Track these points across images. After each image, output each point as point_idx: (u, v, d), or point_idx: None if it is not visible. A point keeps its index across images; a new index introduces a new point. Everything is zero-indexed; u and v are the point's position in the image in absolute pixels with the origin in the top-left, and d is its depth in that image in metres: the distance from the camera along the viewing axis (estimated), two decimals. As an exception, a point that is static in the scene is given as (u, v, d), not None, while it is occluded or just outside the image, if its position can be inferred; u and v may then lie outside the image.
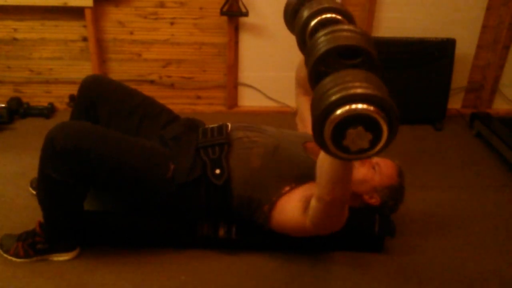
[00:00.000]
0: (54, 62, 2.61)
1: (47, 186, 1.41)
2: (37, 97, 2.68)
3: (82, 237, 1.59)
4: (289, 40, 2.65)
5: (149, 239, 1.62)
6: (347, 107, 0.95)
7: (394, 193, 1.55)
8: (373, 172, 1.53)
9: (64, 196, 1.43)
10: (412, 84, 2.60)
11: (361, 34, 1.11)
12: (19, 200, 1.82)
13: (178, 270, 1.53)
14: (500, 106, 2.84)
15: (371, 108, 0.95)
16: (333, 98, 0.95)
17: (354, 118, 0.96)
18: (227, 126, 1.61)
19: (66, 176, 1.37)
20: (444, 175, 2.18)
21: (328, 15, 1.40)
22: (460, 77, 2.73)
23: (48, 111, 2.58)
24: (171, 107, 2.69)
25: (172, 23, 2.55)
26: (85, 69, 2.61)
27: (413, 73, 2.58)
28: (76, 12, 2.46)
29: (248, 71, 2.68)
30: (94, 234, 1.62)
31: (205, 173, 1.49)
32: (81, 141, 1.36)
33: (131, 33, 2.56)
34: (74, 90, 2.62)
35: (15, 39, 2.55)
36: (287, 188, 1.48)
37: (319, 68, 1.11)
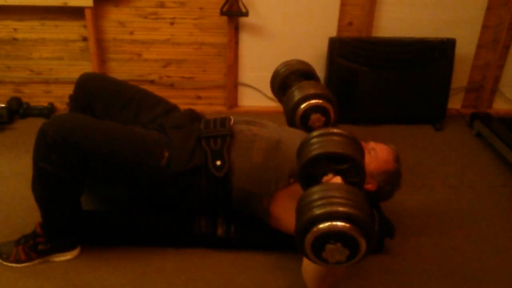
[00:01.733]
0: (54, 62, 2.61)
1: (42, 180, 1.40)
2: (37, 97, 2.68)
3: (82, 236, 1.59)
4: (289, 40, 2.67)
5: (148, 238, 1.62)
6: (328, 224, 1.04)
7: (391, 178, 1.54)
8: (369, 157, 1.51)
9: (59, 189, 1.42)
10: (412, 84, 2.60)
11: (350, 139, 1.23)
12: (19, 200, 1.82)
13: (178, 270, 1.53)
14: (500, 106, 2.84)
15: (351, 227, 1.04)
16: (317, 212, 1.05)
17: (333, 235, 1.05)
18: (229, 119, 1.62)
19: (60, 168, 1.37)
20: (444, 175, 2.18)
21: (315, 101, 1.69)
22: (460, 77, 2.73)
23: (48, 111, 2.58)
24: (171, 107, 2.69)
25: (172, 23, 2.55)
26: (85, 69, 2.61)
27: (413, 73, 2.58)
28: (76, 12, 2.46)
29: (248, 71, 2.68)
30: (94, 234, 1.62)
31: (205, 164, 1.49)
32: (70, 132, 1.36)
33: (131, 33, 2.56)
34: (74, 90, 2.63)
35: (15, 39, 2.55)
36: (284, 183, 1.48)
37: (308, 170, 1.24)
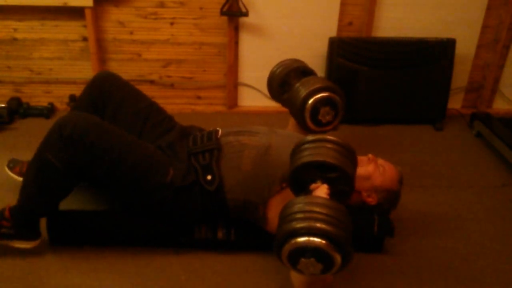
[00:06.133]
0: (54, 62, 2.62)
1: (42, 169, 1.41)
2: (37, 97, 2.69)
3: (82, 236, 1.59)
4: (289, 40, 2.67)
5: (146, 241, 1.62)
6: (305, 238, 1.09)
7: (391, 197, 1.56)
8: (377, 171, 1.53)
9: (54, 183, 1.42)
10: (412, 84, 2.60)
11: (342, 148, 1.25)
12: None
13: (178, 270, 1.53)
14: (500, 106, 2.84)
15: (327, 243, 1.08)
16: (296, 225, 1.10)
17: (309, 250, 1.09)
18: (217, 131, 1.62)
19: (66, 164, 1.38)
20: (444, 175, 2.18)
21: (321, 95, 1.71)
22: (460, 77, 2.73)
23: (48, 111, 2.58)
24: (171, 107, 2.70)
25: (172, 23, 2.55)
26: (85, 69, 2.62)
27: (413, 73, 2.58)
28: (76, 12, 2.46)
29: (248, 71, 2.68)
30: (93, 234, 1.62)
31: (197, 179, 1.50)
32: (88, 133, 1.38)
33: (131, 33, 2.56)
34: (74, 90, 2.64)
35: (15, 39, 2.55)
36: (277, 188, 1.48)
37: (297, 176, 1.28)
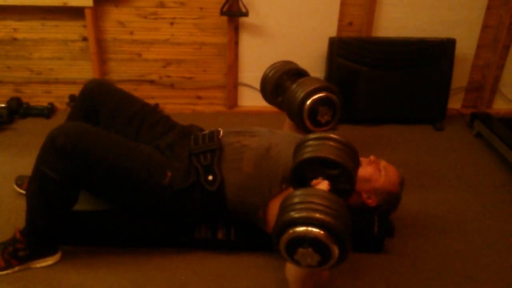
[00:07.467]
0: (54, 62, 2.62)
1: (40, 184, 1.40)
2: (37, 97, 2.69)
3: (82, 236, 1.59)
4: (289, 40, 2.67)
5: (147, 242, 1.62)
6: (304, 228, 1.09)
7: (391, 200, 1.56)
8: (378, 174, 1.54)
9: (55, 196, 1.41)
10: (412, 84, 2.60)
11: (345, 146, 1.26)
12: (19, 200, 1.82)
13: (178, 270, 1.53)
14: (500, 106, 2.84)
15: (325, 234, 1.08)
16: (295, 215, 1.10)
17: (307, 240, 1.10)
18: (218, 132, 1.62)
19: (63, 175, 1.37)
20: (444, 175, 2.18)
21: (319, 95, 1.71)
22: (460, 77, 2.73)
23: (48, 111, 2.58)
24: (171, 107, 2.71)
25: (172, 23, 2.55)
26: (85, 69, 2.62)
27: (413, 73, 2.58)
28: (76, 12, 2.46)
29: (248, 71, 2.68)
30: (92, 235, 1.62)
31: (198, 179, 1.50)
32: (81, 140, 1.37)
33: (131, 33, 2.56)
34: (74, 90, 2.64)
35: (15, 39, 2.55)
36: (277, 190, 1.48)
37: (299, 171, 1.29)
